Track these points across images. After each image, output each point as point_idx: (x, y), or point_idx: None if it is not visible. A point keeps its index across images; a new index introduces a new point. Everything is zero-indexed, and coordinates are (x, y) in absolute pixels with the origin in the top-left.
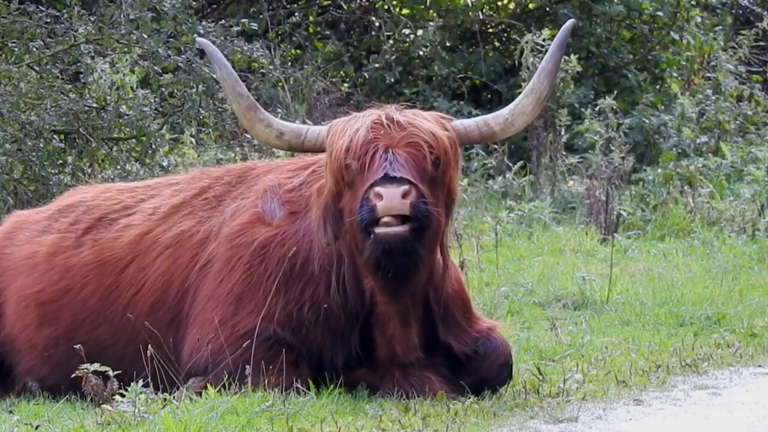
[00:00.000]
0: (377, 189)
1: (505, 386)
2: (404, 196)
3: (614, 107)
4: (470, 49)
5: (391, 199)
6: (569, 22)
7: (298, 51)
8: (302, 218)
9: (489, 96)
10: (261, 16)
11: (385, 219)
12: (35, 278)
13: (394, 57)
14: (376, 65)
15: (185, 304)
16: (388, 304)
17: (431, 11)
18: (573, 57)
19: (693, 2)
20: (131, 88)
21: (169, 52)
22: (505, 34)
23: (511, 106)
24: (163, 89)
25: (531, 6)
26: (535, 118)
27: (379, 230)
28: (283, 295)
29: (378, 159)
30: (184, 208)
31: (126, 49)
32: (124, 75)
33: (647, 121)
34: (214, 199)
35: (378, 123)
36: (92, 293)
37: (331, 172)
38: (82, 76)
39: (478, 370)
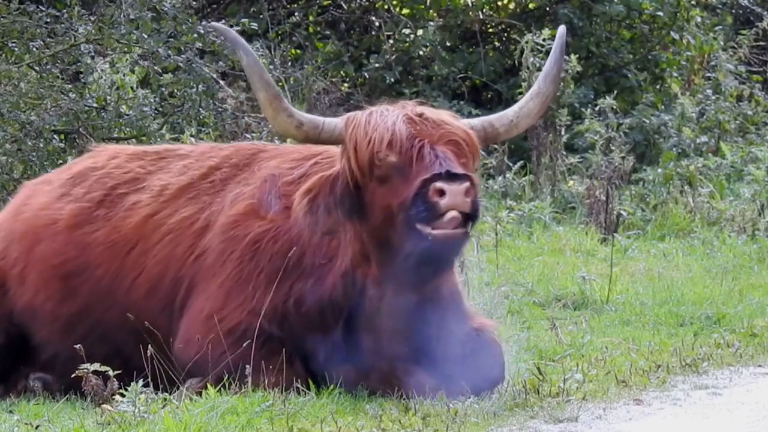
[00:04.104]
0: (439, 185)
1: (500, 384)
2: (466, 193)
3: (614, 107)
4: (470, 49)
5: (455, 195)
6: (561, 29)
7: (298, 51)
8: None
9: (489, 96)
10: (261, 16)
11: (448, 216)
12: (57, 248)
13: (394, 57)
14: (376, 65)
15: (178, 294)
16: (382, 299)
17: (431, 11)
18: (573, 57)
19: (693, 2)
20: (131, 88)
21: (169, 52)
22: (505, 34)
23: (515, 108)
24: (163, 89)
25: (531, 6)
26: (539, 120)
27: (437, 232)
28: (274, 290)
29: (428, 154)
30: (190, 190)
31: (126, 49)
32: (124, 75)
33: (647, 121)
34: (219, 182)
35: (410, 118)
36: (103, 274)
37: (358, 165)
38: (82, 76)
39: (468, 369)
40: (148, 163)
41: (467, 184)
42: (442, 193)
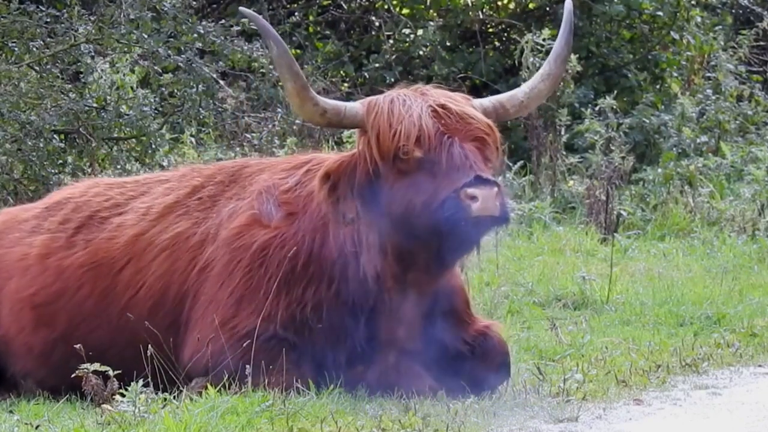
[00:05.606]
0: (470, 190)
1: (504, 385)
2: (496, 197)
3: (614, 107)
4: (470, 49)
5: (486, 200)
6: (568, 4)
7: (298, 51)
8: (300, 219)
9: (489, 96)
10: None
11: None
12: (29, 280)
13: (394, 57)
14: (376, 65)
15: (185, 307)
16: (401, 291)
17: (431, 11)
18: (573, 57)
19: (693, 2)
20: (131, 88)
21: (169, 52)
22: (505, 34)
23: (525, 88)
24: (163, 89)
25: (531, 6)
26: (546, 99)
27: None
28: (285, 296)
29: (457, 155)
30: (178, 208)
31: (126, 49)
32: (124, 75)
33: (647, 121)
34: (208, 199)
35: (435, 111)
36: (88, 295)
37: (380, 155)
38: (82, 76)
39: (475, 368)
40: (129, 190)
41: (496, 188)
42: (473, 197)
